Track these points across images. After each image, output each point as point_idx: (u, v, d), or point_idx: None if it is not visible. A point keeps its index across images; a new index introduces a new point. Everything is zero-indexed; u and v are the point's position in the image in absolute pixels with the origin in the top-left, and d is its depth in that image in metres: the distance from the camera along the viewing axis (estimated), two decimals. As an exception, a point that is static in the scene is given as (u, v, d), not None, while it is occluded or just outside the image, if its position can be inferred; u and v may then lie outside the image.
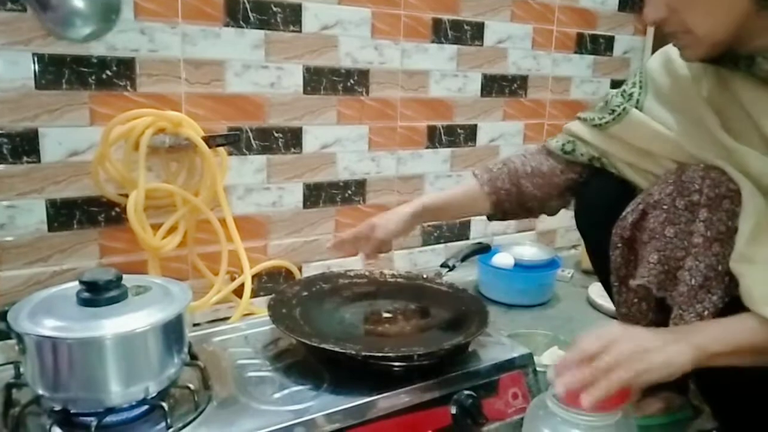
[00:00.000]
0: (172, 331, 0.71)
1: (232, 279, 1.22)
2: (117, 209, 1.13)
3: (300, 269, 1.33)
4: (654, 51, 0.89)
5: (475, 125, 1.53)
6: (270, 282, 1.30)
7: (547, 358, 1.04)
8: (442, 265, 1.08)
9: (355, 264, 1.39)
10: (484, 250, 1.18)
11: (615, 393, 0.62)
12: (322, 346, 0.77)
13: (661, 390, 0.94)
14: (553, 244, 1.72)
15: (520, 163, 0.97)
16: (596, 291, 1.42)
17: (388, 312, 0.92)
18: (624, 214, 0.80)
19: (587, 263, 1.57)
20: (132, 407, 0.68)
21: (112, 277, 0.71)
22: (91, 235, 1.13)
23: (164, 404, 0.69)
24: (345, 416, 0.73)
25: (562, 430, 0.65)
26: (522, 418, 0.85)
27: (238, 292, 1.19)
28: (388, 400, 0.76)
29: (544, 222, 1.69)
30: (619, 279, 0.83)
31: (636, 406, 0.94)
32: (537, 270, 1.38)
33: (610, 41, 1.73)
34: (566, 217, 1.74)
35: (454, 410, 0.80)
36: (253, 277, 1.26)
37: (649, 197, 0.77)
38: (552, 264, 1.40)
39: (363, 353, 0.76)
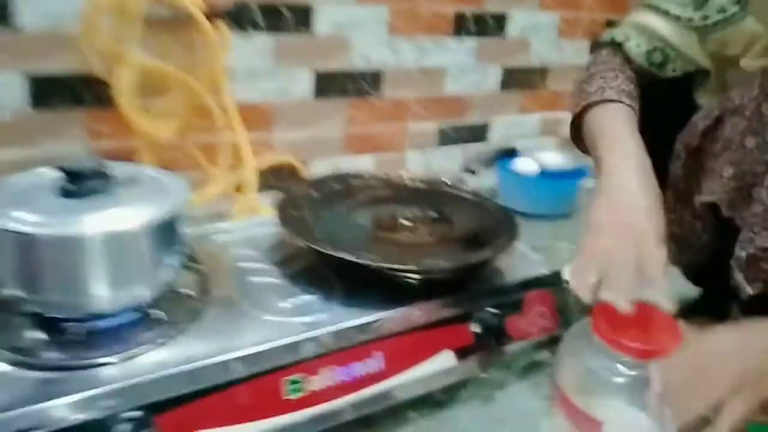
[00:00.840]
0: (167, 231, 0.62)
1: (234, 173, 1.12)
2: (106, 90, 1.01)
3: (307, 166, 1.23)
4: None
5: (504, 13, 1.36)
6: (274, 178, 1.21)
7: (569, 271, 0.97)
8: (465, 170, 0.98)
9: (365, 164, 1.30)
10: (509, 153, 1.08)
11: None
12: (336, 254, 0.69)
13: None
14: (576, 152, 1.61)
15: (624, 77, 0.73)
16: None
17: (407, 219, 0.83)
18: (693, 120, 0.69)
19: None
20: (122, 314, 0.61)
21: (96, 165, 0.61)
22: (77, 116, 1.02)
23: (159, 312, 0.61)
24: (358, 331, 0.66)
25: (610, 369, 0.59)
26: (550, 338, 0.80)
27: (240, 187, 1.09)
28: (405, 316, 0.69)
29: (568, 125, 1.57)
30: (677, 194, 0.73)
31: None
32: (562, 178, 1.28)
33: None
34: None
35: (476, 328, 0.73)
36: (257, 171, 1.16)
37: (727, 102, 0.65)
38: (578, 173, 1.30)
39: (381, 265, 0.68)
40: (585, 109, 0.71)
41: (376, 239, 0.78)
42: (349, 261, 0.68)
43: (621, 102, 0.68)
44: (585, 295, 0.56)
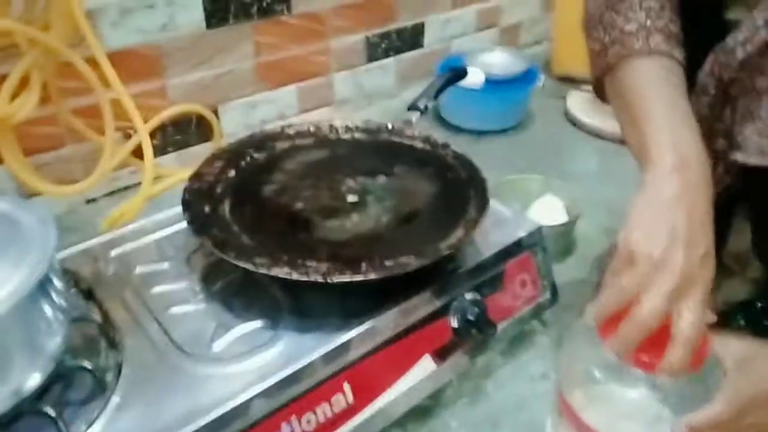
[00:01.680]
0: (36, 295, 0.45)
1: (128, 137, 0.91)
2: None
3: (216, 113, 1.02)
4: None
5: None
6: (180, 134, 1.00)
7: (538, 210, 0.85)
8: (411, 107, 0.81)
9: (287, 98, 1.09)
10: (460, 76, 0.91)
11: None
12: (275, 273, 0.54)
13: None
14: (517, 42, 1.44)
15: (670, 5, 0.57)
16: (577, 104, 1.20)
17: (355, 193, 0.68)
18: (728, 43, 0.53)
19: (562, 67, 1.33)
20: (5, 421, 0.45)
21: None
22: None
23: (47, 409, 0.46)
24: (322, 364, 0.53)
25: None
26: (532, 309, 0.70)
27: (139, 153, 0.89)
28: (370, 330, 0.56)
29: (508, 13, 1.39)
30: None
31: None
32: (512, 86, 1.12)
33: None
34: (533, 4, 1.45)
35: (454, 322, 0.62)
36: (155, 130, 0.95)
37: None
38: (529, 76, 1.14)
39: (333, 279, 0.54)
40: (622, 58, 0.54)
41: (320, 232, 0.63)
42: (293, 280, 0.54)
43: (672, 57, 0.53)
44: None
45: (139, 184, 0.87)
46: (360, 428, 0.56)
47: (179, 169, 0.97)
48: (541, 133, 1.15)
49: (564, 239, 0.85)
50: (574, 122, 1.17)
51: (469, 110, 1.12)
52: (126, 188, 0.96)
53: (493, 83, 1.09)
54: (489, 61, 1.15)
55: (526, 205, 0.86)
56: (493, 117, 1.13)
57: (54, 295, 0.48)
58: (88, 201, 0.94)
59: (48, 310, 0.47)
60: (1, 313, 0.41)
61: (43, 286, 0.46)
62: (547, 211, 0.85)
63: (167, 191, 0.92)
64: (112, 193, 0.96)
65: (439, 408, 0.63)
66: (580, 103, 1.19)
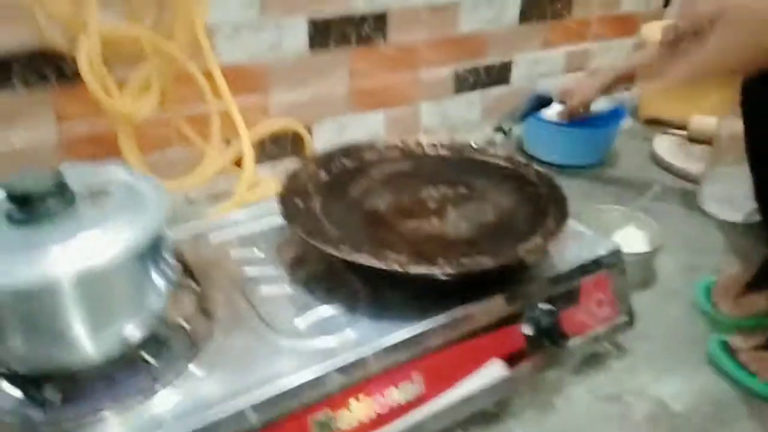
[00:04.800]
0: (149, 254, 0.51)
1: (228, 144, 0.99)
2: (71, 65, 0.86)
3: (309, 130, 1.09)
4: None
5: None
6: (275, 146, 1.07)
7: (619, 238, 0.85)
8: (496, 129, 0.84)
9: (375, 122, 1.15)
10: (544, 103, 0.93)
11: None
12: (357, 259, 0.57)
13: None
14: (605, 85, 1.45)
15: None
16: (663, 146, 1.19)
17: (433, 200, 0.71)
18: None
19: (649, 110, 1.32)
20: (106, 364, 0.50)
21: (50, 183, 0.48)
22: (41, 98, 0.88)
23: (151, 352, 0.50)
24: (393, 351, 0.55)
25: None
26: (606, 330, 0.69)
27: (239, 161, 0.96)
28: (444, 325, 0.58)
29: (598, 57, 1.40)
30: None
31: (736, 303, 0.77)
32: (598, 123, 1.13)
33: None
34: (624, 52, 1.46)
35: (528, 330, 0.62)
36: (255, 142, 1.03)
37: None
38: (616, 115, 1.15)
39: (410, 269, 0.56)
40: None
41: (400, 230, 0.66)
42: (373, 267, 0.57)
43: None
44: None
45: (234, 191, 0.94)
46: (426, 422, 0.57)
47: (273, 179, 1.04)
48: (626, 170, 1.14)
49: (644, 270, 0.84)
50: (660, 163, 1.15)
51: (553, 144, 1.13)
52: (223, 194, 1.04)
53: (578, 120, 1.10)
54: (575, 98, 1.16)
55: (607, 233, 0.86)
56: (577, 152, 1.13)
57: (161, 260, 0.53)
58: (189, 202, 1.02)
59: (155, 270, 0.52)
60: (118, 262, 0.47)
61: (155, 247, 0.51)
62: (629, 241, 0.84)
63: (261, 199, 0.98)
64: (209, 197, 1.03)
65: (505, 416, 0.63)
66: (666, 145, 1.18)
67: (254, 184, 1.00)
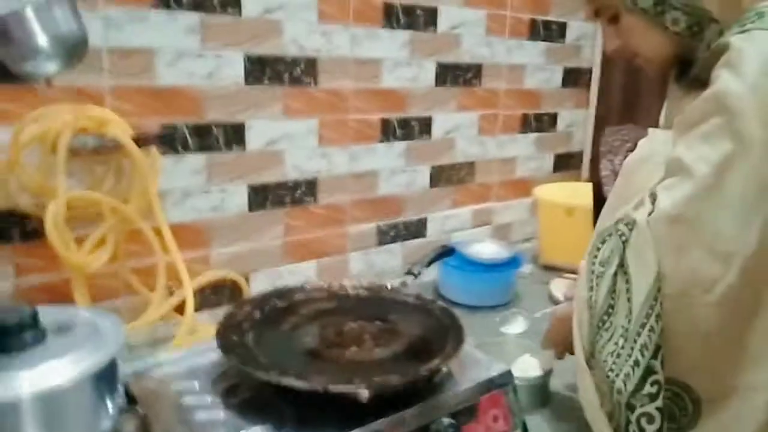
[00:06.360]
0: (104, 379, 0.60)
1: (171, 294, 1.09)
2: (34, 223, 0.98)
3: (247, 279, 1.21)
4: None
5: (430, 117, 1.44)
6: (215, 295, 1.18)
7: (519, 367, 0.98)
8: (407, 273, 1.00)
9: (308, 271, 1.29)
10: (447, 253, 1.11)
11: None
12: (283, 382, 0.67)
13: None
14: (509, 237, 1.68)
15: None
16: (558, 287, 1.37)
17: (353, 332, 0.83)
18: None
19: (545, 257, 1.53)
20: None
21: (26, 316, 0.58)
22: (4, 253, 0.98)
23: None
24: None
25: None
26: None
27: (180, 309, 1.06)
28: (360, 439, 0.67)
29: (500, 214, 1.64)
30: None
31: None
32: (499, 269, 1.32)
33: (562, 27, 1.68)
34: (521, 209, 1.71)
35: (433, 443, 0.72)
36: (196, 290, 1.14)
37: None
38: (514, 262, 1.34)
39: (330, 389, 0.67)
40: None
41: (323, 357, 0.77)
42: (297, 388, 0.67)
43: None
44: None
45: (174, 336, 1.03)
46: None
47: (211, 325, 1.13)
48: (527, 309, 1.30)
49: (540, 391, 0.96)
50: (556, 302, 1.33)
51: (462, 288, 1.30)
52: (163, 339, 1.12)
53: (481, 266, 1.29)
54: (480, 249, 1.36)
55: (507, 361, 0.98)
56: (483, 294, 1.30)
57: (115, 379, 0.62)
58: (130, 349, 1.09)
59: (110, 388, 0.61)
60: (76, 381, 0.56)
61: (109, 370, 0.60)
62: (525, 367, 0.97)
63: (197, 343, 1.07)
64: (150, 342, 1.11)
65: None
66: (560, 286, 1.37)
67: (193, 330, 1.09)
